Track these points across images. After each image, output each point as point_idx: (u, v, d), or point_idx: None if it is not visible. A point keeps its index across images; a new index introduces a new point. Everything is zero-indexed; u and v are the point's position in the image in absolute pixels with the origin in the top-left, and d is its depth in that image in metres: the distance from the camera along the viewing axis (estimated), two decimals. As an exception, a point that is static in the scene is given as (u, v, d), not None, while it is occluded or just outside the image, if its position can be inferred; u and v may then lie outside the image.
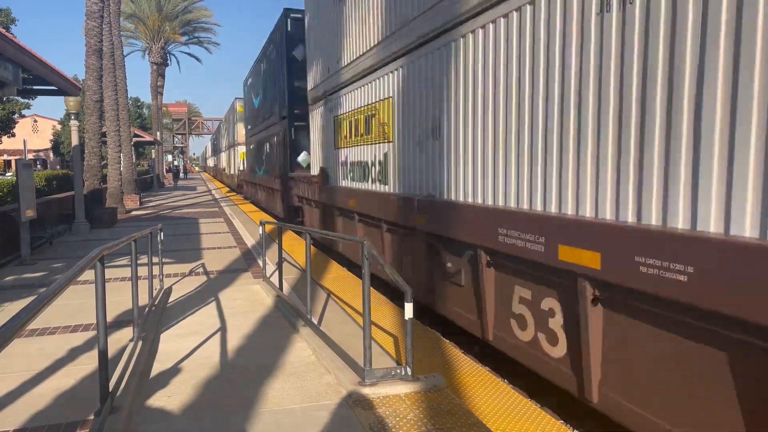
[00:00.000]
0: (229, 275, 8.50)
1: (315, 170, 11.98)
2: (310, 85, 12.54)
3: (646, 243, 3.23)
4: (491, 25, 4.96)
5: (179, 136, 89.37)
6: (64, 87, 11.46)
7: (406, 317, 3.99)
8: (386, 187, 7.59)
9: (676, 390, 3.27)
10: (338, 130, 10.07)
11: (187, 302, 6.84)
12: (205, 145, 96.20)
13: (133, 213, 19.73)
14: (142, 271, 6.72)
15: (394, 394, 3.87)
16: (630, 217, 3.48)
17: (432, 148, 6.14)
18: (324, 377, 4.28)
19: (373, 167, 8.14)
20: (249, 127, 25.33)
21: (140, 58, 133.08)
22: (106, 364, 3.47)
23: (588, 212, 3.83)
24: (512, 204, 4.69)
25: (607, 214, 3.66)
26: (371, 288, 4.59)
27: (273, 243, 11.17)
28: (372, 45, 8.00)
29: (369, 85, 8.23)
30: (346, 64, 9.39)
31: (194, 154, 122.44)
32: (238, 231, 14.05)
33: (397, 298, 6.97)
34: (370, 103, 8.20)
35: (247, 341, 5.25)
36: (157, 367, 4.57)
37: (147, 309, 6.01)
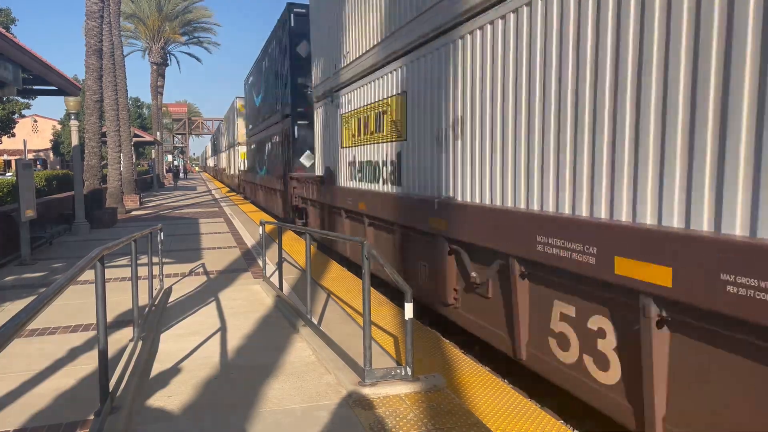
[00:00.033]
0: (229, 275, 8.50)
1: (320, 170, 11.56)
2: (314, 81, 12.07)
3: (737, 257, 2.75)
4: (525, 8, 4.44)
5: (179, 136, 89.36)
6: (64, 87, 11.46)
7: (406, 317, 3.99)
8: (399, 188, 7.09)
9: None
10: (345, 129, 9.56)
11: (187, 302, 6.84)
12: (205, 145, 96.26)
13: (133, 213, 19.73)
14: (142, 271, 6.72)
15: (394, 394, 3.87)
16: (705, 226, 3.01)
17: (453, 147, 5.66)
18: (324, 377, 4.28)
19: (385, 167, 7.64)
20: (250, 126, 24.73)
21: (140, 58, 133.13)
22: (106, 364, 3.47)
23: (648, 219, 3.36)
24: (550, 208, 4.18)
25: (674, 222, 3.18)
26: (371, 288, 4.59)
27: (273, 243, 11.17)
28: (382, 37, 7.52)
29: (380, 80, 7.75)
30: (354, 58, 8.89)
31: (194, 154, 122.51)
32: (238, 231, 14.05)
33: (397, 298, 6.97)
34: (381, 99, 7.71)
35: (247, 341, 5.25)
36: (157, 367, 4.57)
37: (147, 309, 6.01)
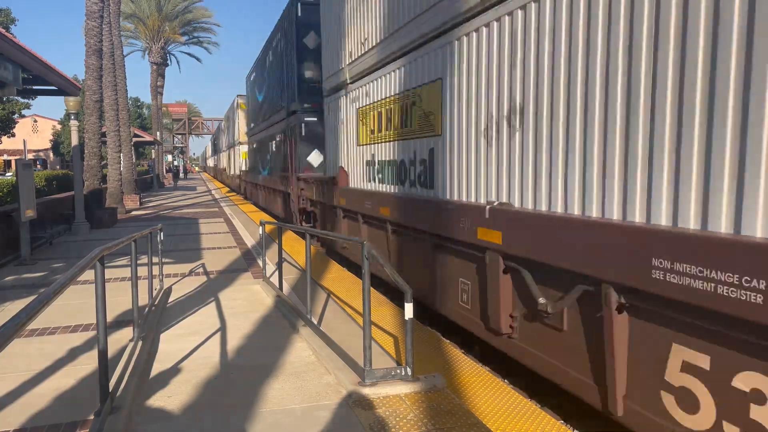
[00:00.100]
0: (229, 275, 8.50)
1: (331, 170, 10.71)
2: (325, 74, 11.12)
3: None
4: None
5: (179, 136, 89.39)
6: (64, 87, 11.47)
7: (406, 317, 3.99)
8: (431, 191, 6.20)
9: None
10: (362, 124, 8.63)
11: (187, 302, 6.84)
12: (205, 145, 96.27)
13: (133, 213, 19.73)
14: (142, 271, 6.72)
15: (394, 394, 3.87)
16: None
17: (508, 142, 4.72)
18: (324, 377, 4.28)
19: (412, 167, 6.71)
20: (252, 125, 23.52)
21: (140, 58, 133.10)
22: (106, 364, 3.47)
23: None
24: (662, 221, 3.25)
25: None
26: (371, 288, 4.58)
27: (273, 243, 11.17)
28: (408, 20, 6.59)
29: (407, 66, 6.79)
30: (373, 45, 7.93)
31: (194, 154, 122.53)
32: (238, 231, 14.05)
33: (397, 298, 6.97)
34: (408, 89, 6.75)
35: (247, 341, 5.25)
36: (157, 367, 4.57)
37: (147, 309, 6.01)
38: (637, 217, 3.43)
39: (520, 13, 4.54)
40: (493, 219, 4.79)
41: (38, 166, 51.45)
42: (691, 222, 3.09)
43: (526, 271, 4.49)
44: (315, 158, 13.16)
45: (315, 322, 5.60)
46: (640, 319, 3.49)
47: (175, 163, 59.92)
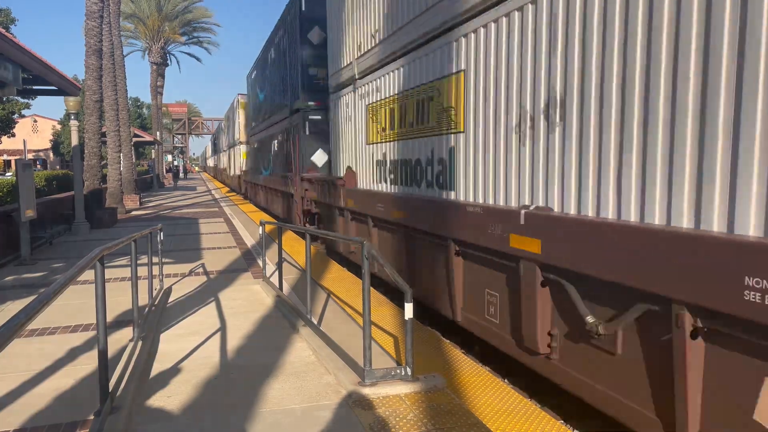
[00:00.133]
0: (229, 275, 8.50)
1: (338, 170, 10.27)
2: (332, 69, 10.61)
3: None
4: None
5: (179, 136, 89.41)
6: (64, 87, 11.47)
7: (406, 317, 3.99)
8: (451, 193, 5.74)
9: None
10: (373, 121, 8.13)
11: (187, 302, 6.84)
12: (205, 145, 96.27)
13: (133, 213, 19.73)
14: (142, 271, 6.72)
15: (394, 394, 3.87)
16: None
17: (546, 138, 4.23)
18: (324, 377, 4.28)
19: (429, 167, 6.25)
20: (253, 124, 22.98)
21: (140, 58, 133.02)
22: (106, 364, 3.47)
23: None
24: (750, 231, 2.78)
25: None
26: (371, 288, 4.58)
27: (273, 243, 11.17)
28: (426, 8, 6.10)
29: (423, 59, 6.30)
30: (386, 36, 7.43)
31: (194, 154, 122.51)
32: (238, 231, 14.05)
33: (397, 298, 6.97)
34: (425, 82, 6.27)
35: (247, 341, 5.25)
36: (157, 367, 4.57)
37: (147, 309, 6.01)
38: (716, 226, 2.94)
39: None
40: (529, 225, 4.24)
41: (38, 166, 51.48)
42: None
43: (569, 285, 3.94)
44: (319, 158, 12.71)
45: (315, 322, 5.60)
46: (722, 347, 2.98)
47: (175, 163, 59.92)
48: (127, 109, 24.00)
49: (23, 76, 9.88)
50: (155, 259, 7.25)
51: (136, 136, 34.07)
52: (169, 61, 47.24)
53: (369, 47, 8.16)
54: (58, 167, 49.95)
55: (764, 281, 2.57)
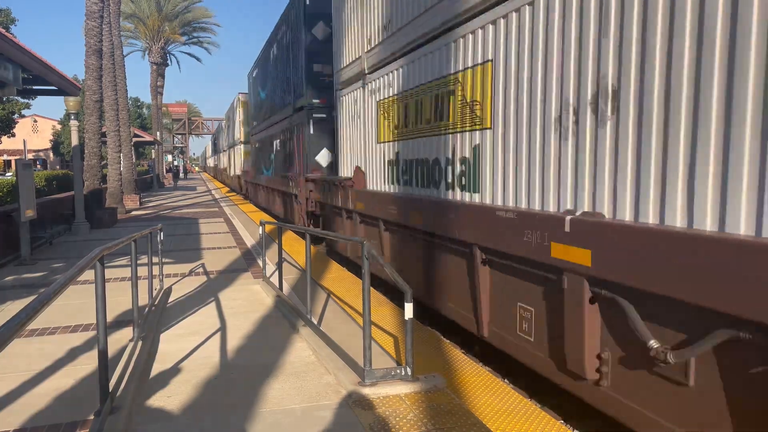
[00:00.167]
0: (229, 275, 8.50)
1: (345, 170, 9.81)
2: (339, 64, 10.10)
3: None
4: None
5: (179, 136, 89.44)
6: (64, 87, 11.47)
7: (406, 317, 3.98)
8: (476, 196, 5.31)
9: None
10: (384, 119, 7.69)
11: (187, 302, 6.84)
12: (205, 145, 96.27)
13: (133, 213, 19.73)
14: (142, 271, 6.72)
15: (394, 394, 3.87)
16: None
17: (593, 133, 3.77)
18: (324, 377, 4.28)
19: (449, 167, 5.81)
20: (255, 123, 22.49)
21: (140, 58, 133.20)
22: (106, 364, 3.47)
23: None
24: None
25: None
26: (371, 288, 4.58)
27: (273, 243, 11.17)
28: None
29: (442, 50, 5.83)
30: (400, 27, 6.94)
31: (194, 154, 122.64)
32: (238, 231, 14.05)
33: (397, 298, 6.97)
34: (445, 75, 5.81)
35: (247, 341, 5.25)
36: (157, 367, 4.57)
37: (147, 309, 6.01)
38: None
39: None
40: (577, 233, 3.75)
41: (38, 166, 51.49)
42: None
43: (627, 303, 3.45)
44: (324, 158, 12.31)
45: (315, 322, 5.60)
46: None
47: (175, 163, 59.95)
48: (127, 109, 24.00)
49: (23, 76, 9.89)
50: (155, 259, 7.25)
51: (136, 136, 34.08)
52: (169, 61, 47.27)
53: (380, 40, 7.71)
54: (58, 167, 49.97)
55: None
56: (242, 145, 28.09)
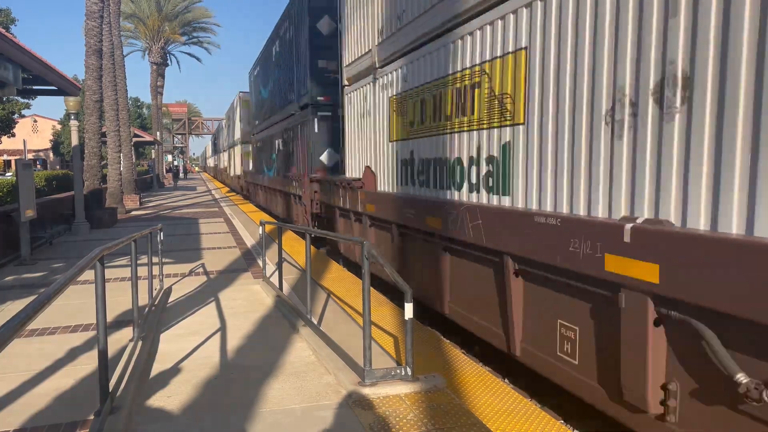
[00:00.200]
0: (229, 275, 8.50)
1: (352, 171, 9.42)
2: (347, 59, 9.59)
3: None
4: None
5: (179, 136, 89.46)
6: (63, 87, 11.47)
7: (406, 317, 3.98)
8: (505, 199, 4.86)
9: None
10: (398, 115, 7.25)
11: (187, 302, 6.84)
12: (205, 145, 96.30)
13: (133, 213, 19.73)
14: (142, 271, 6.72)
15: (394, 394, 3.87)
16: None
17: (656, 128, 3.31)
18: (324, 377, 4.28)
19: (473, 167, 5.35)
20: (256, 122, 21.99)
21: (140, 58, 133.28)
22: (106, 364, 3.47)
23: None
24: None
25: None
26: (371, 288, 4.58)
27: (273, 243, 11.17)
28: None
29: (468, 38, 5.32)
30: (416, 16, 6.46)
31: (194, 154, 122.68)
32: (238, 231, 14.05)
33: (397, 298, 6.97)
34: (468, 66, 5.36)
35: (247, 341, 5.25)
36: (157, 367, 4.57)
37: (147, 309, 6.01)
38: None
39: None
40: (640, 244, 3.26)
41: (38, 166, 51.49)
42: None
43: (705, 328, 2.97)
44: (329, 157, 11.91)
45: (315, 322, 5.60)
46: None
47: (175, 163, 59.96)
48: (127, 109, 24.01)
49: (23, 76, 9.89)
50: (155, 259, 7.25)
51: (136, 136, 34.08)
52: (169, 61, 47.29)
53: (393, 30, 7.18)
54: (58, 167, 49.97)
55: None
56: (243, 145, 27.76)
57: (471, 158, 5.40)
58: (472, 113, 5.33)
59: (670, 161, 3.22)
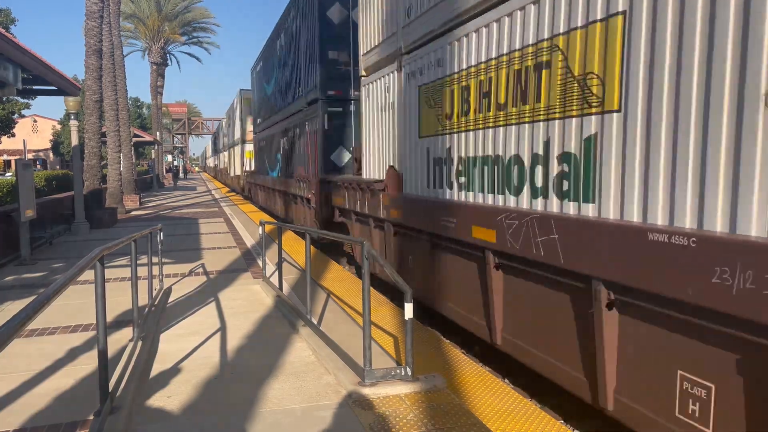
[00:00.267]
0: (228, 275, 8.50)
1: (371, 172, 8.47)
2: (365, 47, 8.60)
3: None
4: None
5: (179, 136, 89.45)
6: (63, 87, 11.47)
7: (406, 317, 3.98)
8: (588, 206, 3.83)
9: None
10: (430, 107, 6.23)
11: (187, 302, 6.84)
12: (205, 145, 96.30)
13: (133, 213, 19.73)
14: (142, 271, 6.72)
15: (394, 394, 3.87)
16: None
17: None
18: (324, 377, 4.28)
19: (538, 166, 4.36)
20: (258, 120, 20.92)
21: (140, 58, 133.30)
22: (106, 364, 3.47)
23: None
24: None
25: None
26: (371, 288, 4.58)
27: (273, 243, 11.17)
28: None
29: (532, 6, 4.38)
30: None
31: (194, 154, 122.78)
32: (237, 231, 14.05)
33: (397, 298, 6.97)
34: (533, 42, 4.37)
35: (246, 341, 5.25)
36: (157, 367, 4.57)
37: (147, 309, 6.01)
38: None
39: None
40: None
41: (38, 166, 51.48)
42: None
43: None
44: (340, 157, 11.05)
45: (315, 322, 5.60)
46: None
47: (175, 163, 59.97)
48: (127, 109, 24.01)
49: (23, 76, 9.89)
50: (155, 259, 7.25)
51: (136, 136, 34.09)
52: (169, 61, 47.31)
53: (426, 8, 6.22)
54: (58, 167, 49.97)
55: None
56: (244, 144, 26.92)
57: (535, 155, 4.41)
58: (537, 100, 4.35)
59: None
